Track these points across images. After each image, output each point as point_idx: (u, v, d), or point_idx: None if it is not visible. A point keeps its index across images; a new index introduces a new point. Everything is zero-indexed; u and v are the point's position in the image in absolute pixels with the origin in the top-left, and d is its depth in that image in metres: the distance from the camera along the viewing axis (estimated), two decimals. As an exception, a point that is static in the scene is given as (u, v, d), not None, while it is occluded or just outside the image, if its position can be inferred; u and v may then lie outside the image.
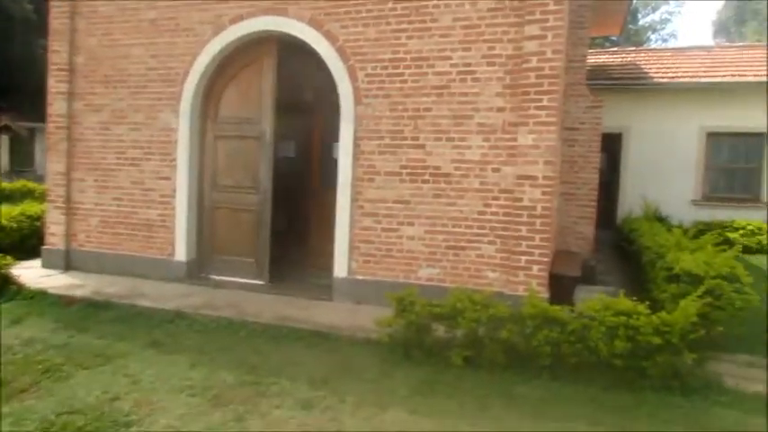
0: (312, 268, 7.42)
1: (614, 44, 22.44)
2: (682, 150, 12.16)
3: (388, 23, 6.16)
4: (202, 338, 5.26)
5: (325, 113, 7.50)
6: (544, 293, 5.68)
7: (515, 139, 5.74)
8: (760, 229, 11.26)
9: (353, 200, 6.43)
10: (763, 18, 23.07)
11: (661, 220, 11.28)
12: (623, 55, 14.42)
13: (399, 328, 4.95)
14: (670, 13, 34.94)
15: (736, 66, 12.40)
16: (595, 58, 13.73)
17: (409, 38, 6.10)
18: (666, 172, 12.14)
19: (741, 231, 11.24)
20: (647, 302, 4.76)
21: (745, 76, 11.87)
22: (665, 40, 32.31)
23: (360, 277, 6.42)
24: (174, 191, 7.19)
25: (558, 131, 6.11)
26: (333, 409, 3.92)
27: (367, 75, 6.28)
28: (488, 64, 5.83)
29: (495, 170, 5.87)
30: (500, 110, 5.81)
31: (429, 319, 4.94)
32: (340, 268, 6.50)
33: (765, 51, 12.98)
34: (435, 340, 4.93)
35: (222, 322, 5.64)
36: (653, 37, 32.59)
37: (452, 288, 5.34)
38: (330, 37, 6.38)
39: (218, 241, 7.30)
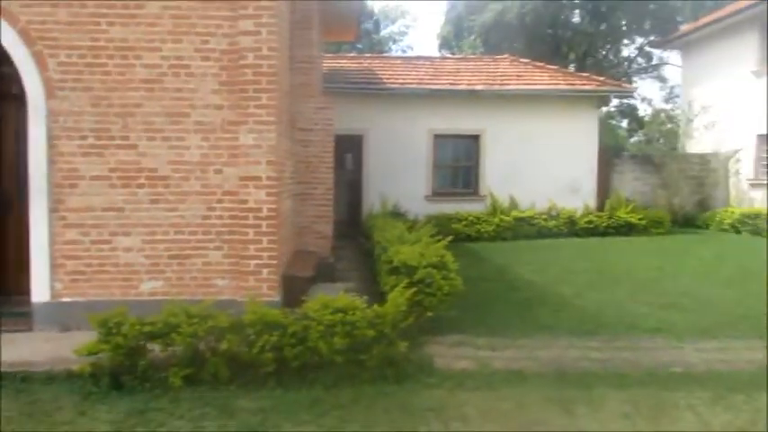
0: (6, 294, 6.17)
1: (360, 51, 23.81)
2: (414, 150, 13.28)
3: (84, 6, 5.37)
4: None
5: (21, 109, 6.28)
6: (275, 297, 5.54)
7: (237, 139, 5.49)
8: (478, 219, 12.87)
9: (53, 210, 5.50)
10: (476, 34, 26.64)
11: (399, 215, 12.14)
12: (360, 61, 15.25)
13: (105, 354, 4.33)
14: (407, 27, 38.40)
15: (454, 75, 13.99)
16: (335, 62, 14.27)
17: (111, 24, 5.40)
18: (403, 170, 13.14)
19: (464, 222, 12.70)
20: (378, 295, 4.90)
21: (461, 84, 13.46)
22: (404, 51, 35.45)
23: (66, 300, 5.52)
24: None
25: (281, 131, 6.02)
26: (0, 469, 3.20)
27: (60, 63, 5.40)
28: (203, 58, 5.46)
29: (218, 171, 5.54)
30: (218, 107, 5.49)
31: (142, 340, 4.41)
32: (40, 291, 5.52)
33: (479, 63, 14.98)
34: (151, 362, 4.43)
35: None
36: (394, 47, 35.54)
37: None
38: (9, 17, 5.34)
39: None
